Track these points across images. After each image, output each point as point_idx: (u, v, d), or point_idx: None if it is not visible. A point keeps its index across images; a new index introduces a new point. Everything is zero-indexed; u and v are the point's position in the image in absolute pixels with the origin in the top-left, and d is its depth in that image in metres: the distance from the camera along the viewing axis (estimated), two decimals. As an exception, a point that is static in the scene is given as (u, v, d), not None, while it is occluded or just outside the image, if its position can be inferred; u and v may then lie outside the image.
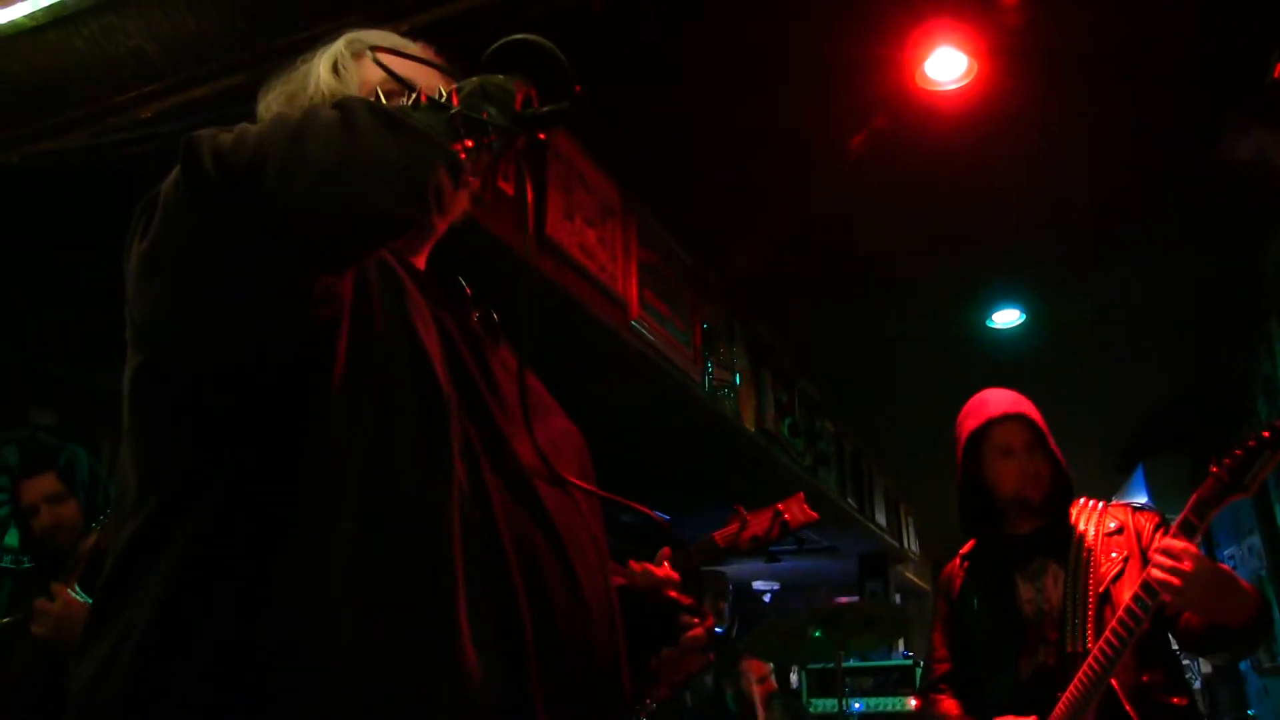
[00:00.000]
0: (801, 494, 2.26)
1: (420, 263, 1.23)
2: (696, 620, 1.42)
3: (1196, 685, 6.65)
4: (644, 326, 3.92)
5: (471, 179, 1.15)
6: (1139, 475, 6.73)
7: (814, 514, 2.21)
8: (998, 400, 2.48)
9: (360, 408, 0.95)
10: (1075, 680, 2.15)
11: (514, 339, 1.33)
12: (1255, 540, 5.45)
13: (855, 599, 8.24)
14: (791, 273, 4.75)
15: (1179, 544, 1.98)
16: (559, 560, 1.07)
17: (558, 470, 1.15)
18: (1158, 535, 2.22)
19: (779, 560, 7.87)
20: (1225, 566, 2.03)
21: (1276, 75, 3.15)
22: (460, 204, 1.21)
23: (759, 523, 2.17)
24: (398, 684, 0.87)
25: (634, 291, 3.88)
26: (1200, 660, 6.55)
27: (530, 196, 1.22)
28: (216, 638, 0.87)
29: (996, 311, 5.05)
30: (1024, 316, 5.06)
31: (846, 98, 3.39)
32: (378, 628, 0.88)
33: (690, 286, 4.48)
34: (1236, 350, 5.31)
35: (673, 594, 1.48)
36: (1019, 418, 2.42)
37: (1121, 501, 2.49)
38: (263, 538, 0.90)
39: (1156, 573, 1.99)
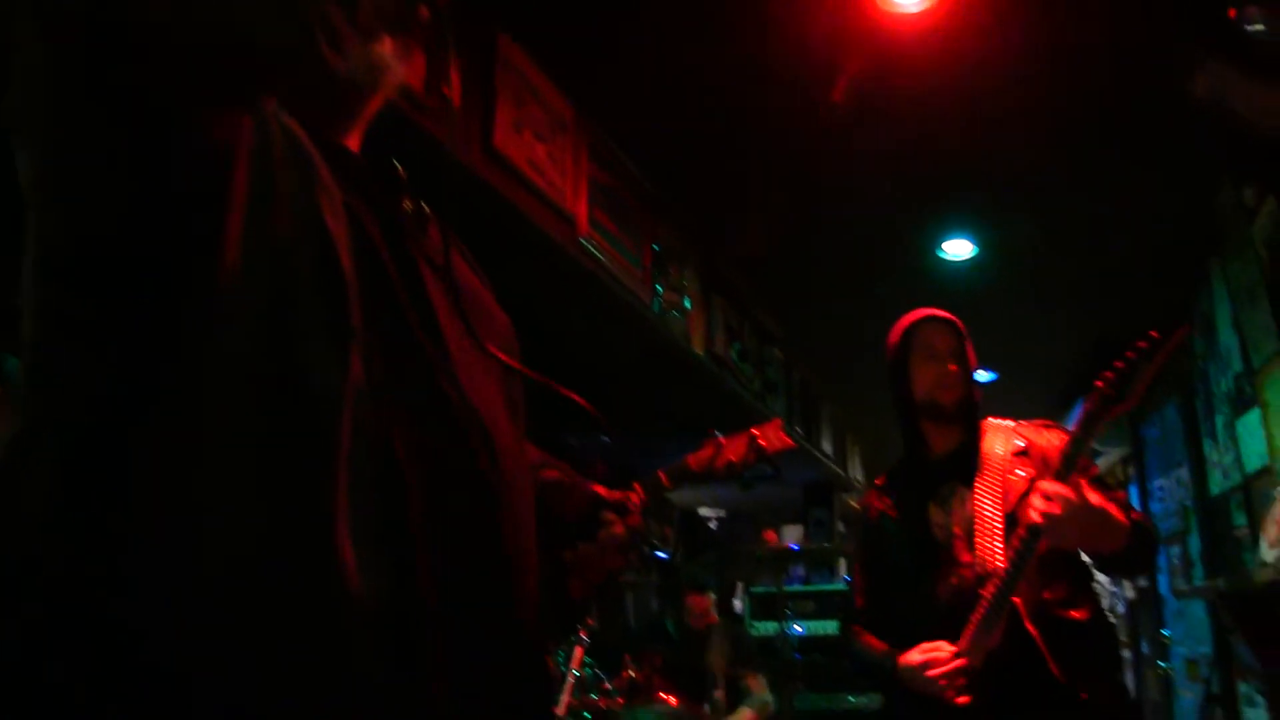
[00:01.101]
0: (778, 420, 2.21)
1: (352, 144, 1.15)
2: (617, 518, 1.40)
3: (1121, 610, 6.82)
4: (592, 244, 3.87)
5: (392, 40, 1.07)
6: (1077, 412, 6.80)
7: (790, 441, 2.17)
8: (929, 309, 2.55)
9: (252, 290, 0.87)
10: (982, 599, 2.19)
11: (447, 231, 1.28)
12: (1184, 472, 5.56)
13: (799, 530, 8.34)
14: (746, 200, 4.71)
15: (1051, 486, 2.06)
16: (466, 457, 1.02)
17: (486, 349, 1.11)
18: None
19: (753, 488, 7.92)
20: (1097, 499, 2.09)
21: (1232, 14, 3.14)
22: (389, 77, 1.11)
23: (734, 448, 2.10)
24: (264, 577, 0.82)
25: (583, 209, 3.83)
26: (1124, 584, 6.73)
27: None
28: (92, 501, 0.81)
29: (947, 241, 5.04)
30: (976, 249, 5.06)
31: (805, 22, 3.32)
32: (248, 516, 0.83)
33: (643, 208, 4.42)
34: (1178, 288, 5.35)
35: (597, 488, 1.46)
36: (947, 322, 2.49)
37: (1030, 421, 2.53)
38: (139, 412, 0.83)
39: (1031, 514, 2.06)
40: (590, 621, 3.84)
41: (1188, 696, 5.66)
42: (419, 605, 0.90)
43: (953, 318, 2.51)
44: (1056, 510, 2.03)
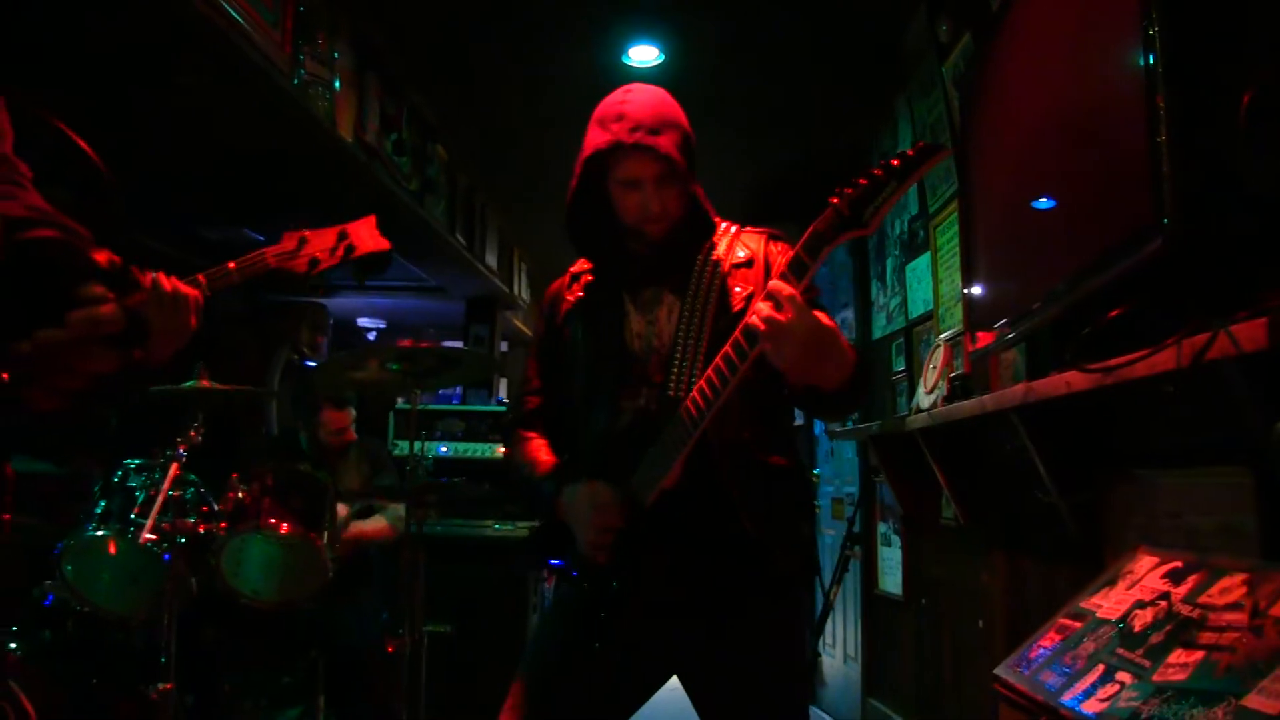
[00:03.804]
0: (374, 217, 1.99)
1: None
2: (106, 294, 0.94)
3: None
4: (212, -12, 3.19)
5: None
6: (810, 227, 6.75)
7: (385, 242, 1.97)
8: (636, 116, 1.98)
9: None
10: (666, 429, 1.86)
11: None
12: (849, 314, 5.62)
13: (455, 345, 8.02)
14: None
15: (785, 288, 1.66)
16: None
17: None
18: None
19: (367, 289, 7.50)
20: (829, 320, 1.73)
21: None
22: None
23: (320, 243, 1.89)
24: None
25: (202, -57, 3.13)
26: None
27: None
28: None
29: (633, 47, 4.68)
30: (662, 56, 4.73)
31: None
32: None
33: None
34: (864, 121, 5.27)
35: (98, 256, 0.99)
36: (650, 150, 1.96)
37: (759, 228, 2.16)
38: None
39: (753, 319, 1.67)
40: (193, 434, 3.33)
41: (829, 534, 5.87)
42: None
43: (658, 144, 1.96)
44: (786, 316, 1.64)
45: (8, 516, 2.96)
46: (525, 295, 8.73)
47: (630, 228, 2.07)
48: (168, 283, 1.25)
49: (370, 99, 4.60)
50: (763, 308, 1.67)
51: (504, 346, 9.01)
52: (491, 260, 7.22)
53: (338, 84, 4.24)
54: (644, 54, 4.75)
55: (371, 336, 10.31)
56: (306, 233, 1.82)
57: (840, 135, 5.48)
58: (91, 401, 1.03)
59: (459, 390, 7.66)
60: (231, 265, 1.64)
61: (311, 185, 4.86)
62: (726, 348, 1.77)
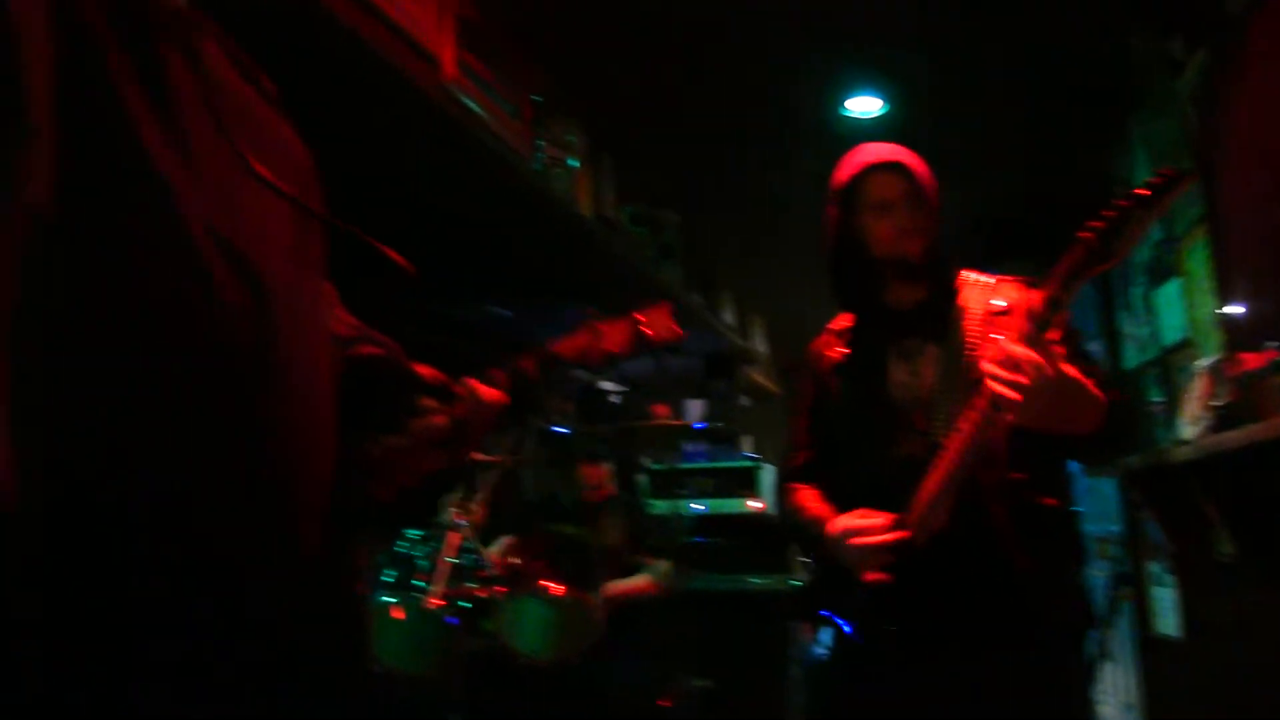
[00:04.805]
0: (667, 304, 2.00)
1: None
2: (439, 406, 1.09)
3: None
4: (461, 90, 3.46)
5: None
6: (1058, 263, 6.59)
7: (679, 330, 1.98)
8: (875, 151, 2.14)
9: None
10: (932, 476, 1.90)
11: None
12: (1096, 346, 5.41)
13: (701, 405, 8.14)
14: (634, 54, 4.31)
15: (1020, 351, 1.69)
16: (209, 307, 0.78)
17: (254, 168, 0.86)
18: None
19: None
20: (1072, 370, 1.74)
21: None
22: None
23: (615, 335, 1.91)
24: None
25: (449, 50, 3.41)
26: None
27: None
28: None
29: (852, 98, 4.73)
30: (886, 107, 4.77)
31: None
32: None
33: (520, 54, 4.00)
34: (1095, 149, 5.11)
35: (420, 369, 1.14)
36: (896, 167, 2.08)
37: (1013, 277, 2.18)
38: None
39: (994, 385, 1.71)
40: (476, 507, 3.57)
41: (1096, 575, 5.62)
42: (123, 514, 0.69)
43: (902, 159, 2.11)
44: (1026, 380, 1.68)
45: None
46: (763, 349, 8.80)
47: (887, 258, 2.13)
48: (482, 391, 1.40)
49: (605, 174, 4.83)
50: (1000, 372, 1.69)
51: (745, 401, 9.09)
52: (728, 317, 7.35)
53: (575, 163, 4.47)
54: (864, 104, 4.80)
55: (615, 400, 10.58)
56: (600, 325, 1.85)
57: (1070, 164, 5.34)
58: (422, 493, 1.17)
59: (700, 445, 7.77)
60: (529, 363, 1.73)
61: (555, 260, 5.12)
62: (979, 399, 1.80)
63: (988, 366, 1.74)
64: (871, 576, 1.95)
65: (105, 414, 0.71)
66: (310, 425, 0.88)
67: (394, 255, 1.08)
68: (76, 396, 0.70)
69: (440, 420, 1.10)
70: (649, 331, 1.93)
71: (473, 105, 3.53)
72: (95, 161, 0.73)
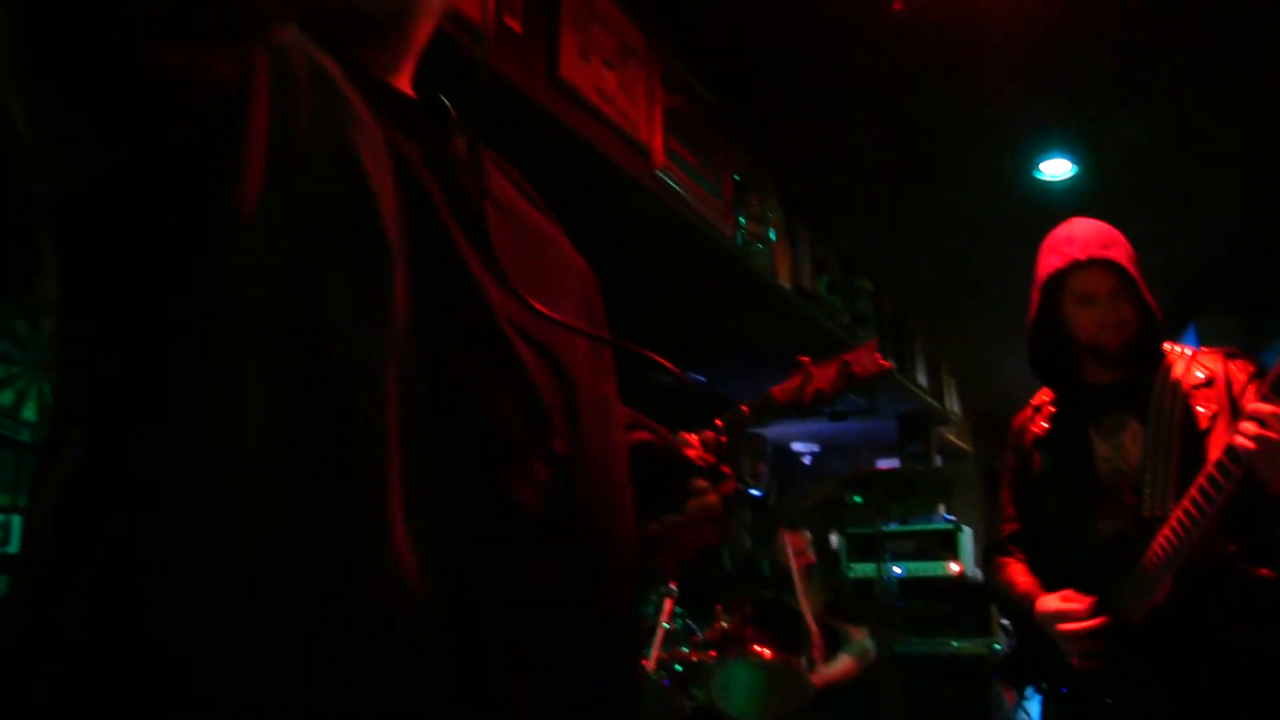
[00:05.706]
0: (873, 342, 2.00)
1: (402, 84, 1.03)
2: (710, 486, 1.23)
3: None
4: (669, 176, 3.67)
5: None
6: (1190, 336, 6.42)
7: (887, 363, 1.97)
8: (1084, 238, 2.15)
9: (277, 246, 0.76)
10: (1152, 548, 1.93)
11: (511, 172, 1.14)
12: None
13: (894, 464, 8.12)
14: (826, 123, 4.45)
15: (1268, 407, 1.72)
16: (539, 418, 0.90)
17: (547, 312, 0.96)
18: (1252, 387, 1.96)
19: (845, 419, 7.62)
20: None
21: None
22: (429, 3, 1.02)
23: (824, 375, 1.91)
24: (299, 574, 0.71)
25: (658, 139, 3.62)
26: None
27: None
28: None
29: (1044, 161, 4.73)
30: (1075, 169, 4.74)
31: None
32: (289, 509, 0.72)
33: (721, 136, 4.20)
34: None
35: (690, 453, 1.29)
36: (1104, 264, 2.11)
37: (1213, 348, 2.20)
38: (157, 394, 0.74)
39: (1241, 439, 1.73)
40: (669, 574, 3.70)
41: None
42: (487, 599, 0.81)
43: (1111, 256, 2.11)
44: (1273, 435, 1.70)
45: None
46: (956, 409, 8.71)
47: (1087, 346, 2.19)
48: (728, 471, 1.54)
49: (802, 246, 4.96)
50: (1249, 427, 1.73)
51: (939, 461, 8.99)
52: (921, 379, 7.33)
53: (773, 234, 4.62)
54: (1056, 167, 4.78)
55: (807, 460, 10.60)
56: (811, 368, 1.97)
57: (1272, 209, 5.16)
58: (695, 565, 1.31)
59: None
60: (745, 409, 1.86)
61: (754, 329, 5.26)
62: (1208, 467, 1.83)
63: (1241, 423, 1.75)
64: (1084, 665, 1.99)
65: (471, 517, 0.82)
66: (616, 529, 0.98)
67: (668, 365, 1.21)
68: (446, 498, 0.81)
69: (713, 499, 1.23)
70: (857, 368, 2.00)
71: (679, 190, 3.73)
72: (440, 299, 0.86)
